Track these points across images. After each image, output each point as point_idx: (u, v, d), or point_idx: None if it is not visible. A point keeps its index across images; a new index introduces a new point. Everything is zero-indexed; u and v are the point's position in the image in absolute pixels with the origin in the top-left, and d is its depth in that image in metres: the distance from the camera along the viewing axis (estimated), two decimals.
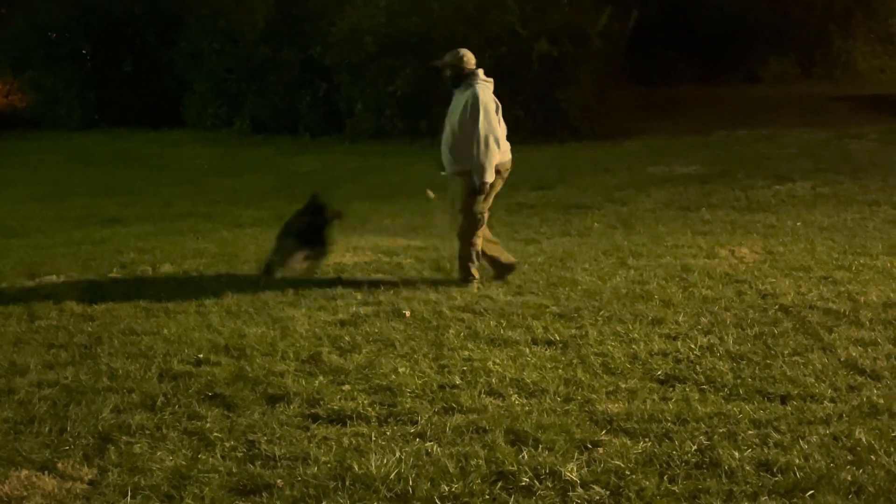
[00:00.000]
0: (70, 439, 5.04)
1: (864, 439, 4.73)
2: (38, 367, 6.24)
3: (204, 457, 4.75)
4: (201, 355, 6.33)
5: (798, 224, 10.75)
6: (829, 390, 5.46)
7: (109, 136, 25.55)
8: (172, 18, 26.94)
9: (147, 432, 5.10)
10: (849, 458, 4.55)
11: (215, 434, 5.02)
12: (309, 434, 5.02)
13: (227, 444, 4.90)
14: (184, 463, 4.68)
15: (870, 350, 6.15)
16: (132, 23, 27.41)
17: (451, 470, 4.50)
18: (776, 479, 4.34)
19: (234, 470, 4.60)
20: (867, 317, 6.87)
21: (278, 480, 4.45)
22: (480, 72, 8.29)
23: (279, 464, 4.66)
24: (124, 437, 5.03)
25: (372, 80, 22.50)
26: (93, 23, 27.43)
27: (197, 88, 26.55)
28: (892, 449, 4.62)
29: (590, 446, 4.78)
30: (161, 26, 27.29)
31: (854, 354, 6.05)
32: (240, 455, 4.78)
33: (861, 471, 4.39)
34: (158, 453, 4.82)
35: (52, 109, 28.18)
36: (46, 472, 4.68)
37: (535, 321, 7.02)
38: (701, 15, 30.76)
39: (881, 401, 5.25)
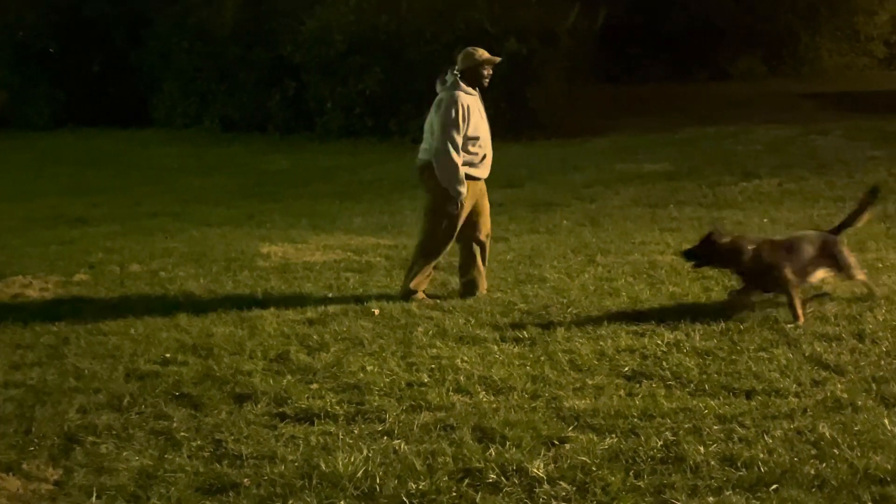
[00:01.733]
0: (36, 440, 5.00)
1: (827, 433, 4.77)
2: (4, 367, 6.19)
3: (170, 456, 4.73)
4: (168, 355, 6.30)
5: (765, 220, 10.84)
6: (794, 385, 5.50)
7: (78, 136, 25.38)
8: (141, 17, 26.80)
9: (113, 432, 5.07)
10: (812, 452, 4.58)
11: (182, 434, 5.01)
12: (276, 433, 5.01)
13: (194, 444, 4.88)
14: (150, 463, 4.66)
15: (834, 345, 6.20)
16: (101, 22, 27.22)
17: (418, 467, 4.51)
18: (740, 473, 4.37)
19: (200, 469, 4.58)
20: (832, 312, 6.94)
21: (245, 479, 4.44)
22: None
23: (246, 463, 4.65)
24: (90, 438, 5.00)
25: (342, 78, 22.50)
26: (61, 22, 27.21)
27: (166, 87, 26.45)
28: (855, 443, 4.65)
29: (556, 443, 4.79)
30: (130, 25, 27.14)
31: (818, 349, 6.10)
32: (206, 454, 4.77)
33: (824, 465, 4.43)
34: (125, 453, 4.80)
35: (21, 109, 27.98)
36: (11, 473, 4.64)
37: (504, 318, 7.04)
38: (669, 13, 30.93)
39: (845, 395, 5.30)
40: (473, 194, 7.67)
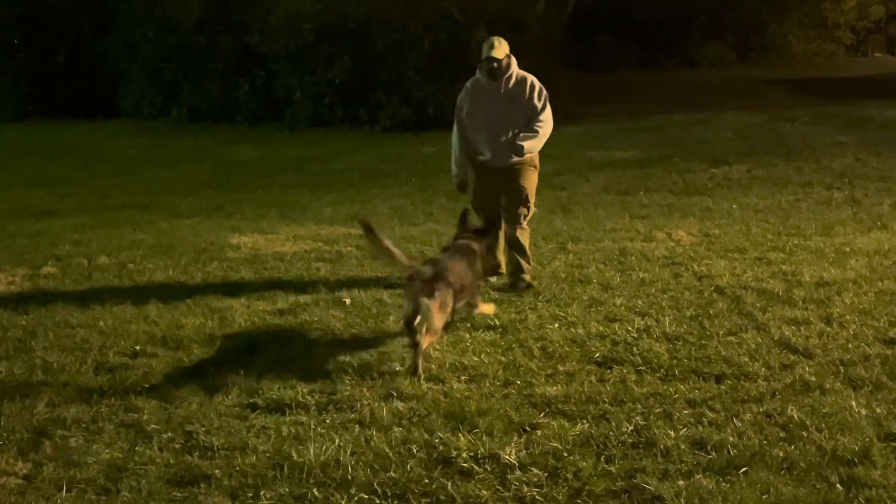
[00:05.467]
0: (4, 434, 4.94)
1: (796, 416, 4.81)
2: None
3: (141, 449, 4.69)
4: (138, 347, 6.25)
5: (734, 206, 10.91)
6: (763, 369, 5.55)
7: (43, 128, 25.15)
8: (106, 8, 26.56)
9: (83, 425, 5.02)
10: (781, 434, 4.62)
11: (152, 426, 4.97)
12: (247, 424, 4.98)
13: (165, 436, 4.84)
14: (120, 455, 4.62)
15: (802, 329, 6.26)
16: (65, 12, 26.95)
17: (390, 456, 4.50)
18: (710, 457, 4.40)
19: (171, 461, 4.55)
20: (800, 296, 6.99)
21: (216, 471, 4.41)
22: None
23: (217, 454, 4.62)
24: (59, 431, 4.94)
25: (310, 67, 22.42)
26: (25, 13, 26.92)
27: (132, 78, 26.26)
28: (823, 425, 4.70)
29: (528, 429, 4.80)
30: (95, 15, 26.89)
31: (787, 333, 6.15)
32: (177, 446, 4.73)
33: (793, 447, 4.47)
34: (94, 446, 4.75)
35: None
36: None
37: None
38: (638, 1, 31.00)
39: (813, 378, 5.35)
40: (484, 174, 7.71)
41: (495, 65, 7.47)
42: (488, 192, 7.72)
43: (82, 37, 26.98)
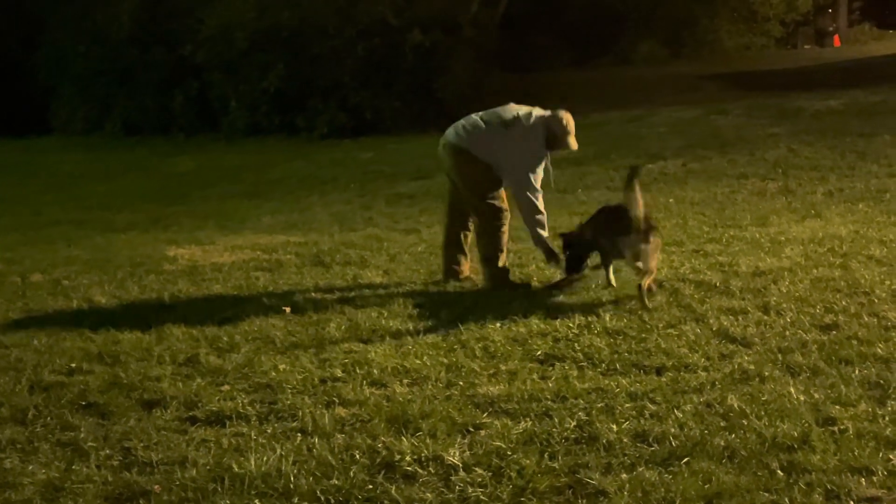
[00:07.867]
0: None
1: (736, 405, 4.84)
2: None
3: (78, 467, 4.59)
4: (74, 364, 6.11)
5: (670, 200, 11.01)
6: (703, 360, 5.59)
7: None
8: (35, 21, 26.14)
9: (18, 446, 4.90)
10: (722, 424, 4.65)
11: (89, 444, 4.86)
12: (187, 437, 4.90)
13: (102, 453, 4.74)
14: (57, 475, 4.52)
15: (740, 318, 6.32)
16: None
17: (332, 463, 4.45)
18: (653, 448, 4.42)
19: (109, 479, 4.45)
20: (737, 286, 7.07)
21: (155, 486, 4.33)
22: None
23: (156, 469, 4.53)
24: None
25: (245, 76, 22.29)
26: None
27: (64, 93, 25.89)
28: (762, 413, 4.74)
29: (471, 429, 4.77)
30: (23, 29, 26.45)
31: (725, 324, 6.20)
32: (115, 463, 4.64)
33: (733, 435, 4.50)
34: (30, 467, 4.64)
35: None
36: None
37: (416, 309, 7.02)
38: (570, 1, 31.23)
39: (752, 367, 5.40)
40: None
41: None
42: None
43: (10, 51, 26.51)
